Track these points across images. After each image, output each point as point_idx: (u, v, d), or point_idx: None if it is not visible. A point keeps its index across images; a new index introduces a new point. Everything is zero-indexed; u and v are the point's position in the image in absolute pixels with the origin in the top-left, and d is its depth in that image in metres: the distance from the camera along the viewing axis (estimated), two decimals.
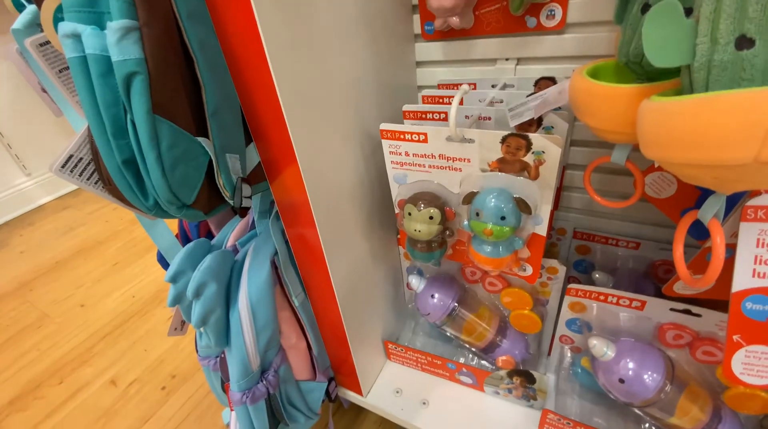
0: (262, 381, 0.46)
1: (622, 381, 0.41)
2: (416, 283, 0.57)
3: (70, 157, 0.30)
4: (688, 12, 0.22)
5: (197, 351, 0.52)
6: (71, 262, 1.32)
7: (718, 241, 0.24)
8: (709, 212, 0.25)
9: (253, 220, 0.50)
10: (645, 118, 0.24)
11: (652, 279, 0.54)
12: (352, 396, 0.60)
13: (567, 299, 0.49)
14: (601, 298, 0.46)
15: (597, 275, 0.54)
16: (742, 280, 0.27)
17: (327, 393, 0.58)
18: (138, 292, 1.11)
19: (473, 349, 0.59)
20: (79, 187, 1.85)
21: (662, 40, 0.23)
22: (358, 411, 0.71)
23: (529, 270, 0.45)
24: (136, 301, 1.08)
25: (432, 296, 0.55)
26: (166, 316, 1.00)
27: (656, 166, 0.40)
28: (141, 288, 1.12)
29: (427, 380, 0.60)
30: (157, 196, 0.29)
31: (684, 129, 0.21)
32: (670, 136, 0.22)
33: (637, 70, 0.31)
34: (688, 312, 0.42)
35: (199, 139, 0.30)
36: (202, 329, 0.43)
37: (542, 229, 0.40)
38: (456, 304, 0.55)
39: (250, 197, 0.35)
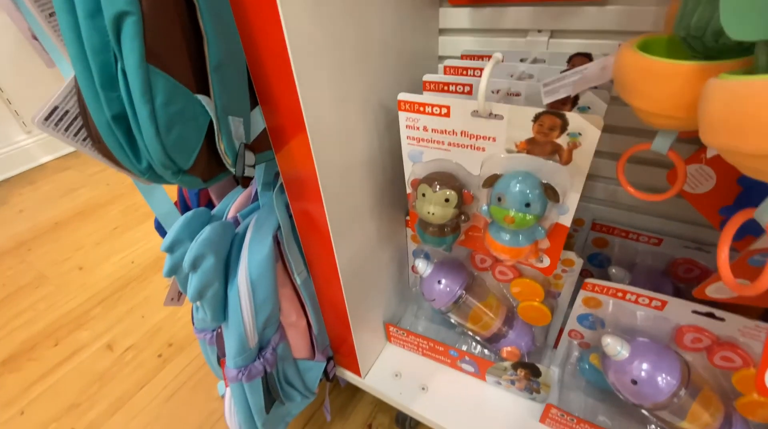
0: (259, 358, 0.44)
1: (634, 382, 0.39)
2: (423, 267, 0.54)
3: (55, 108, 0.27)
4: None
5: (193, 323, 0.51)
6: (71, 223, 1.30)
7: None
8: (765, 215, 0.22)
9: (256, 192, 0.47)
10: (714, 97, 0.21)
11: (671, 278, 0.51)
12: (350, 376, 0.59)
13: (582, 294, 0.46)
14: (619, 295, 0.44)
15: (614, 270, 0.52)
16: None
17: (325, 372, 0.57)
18: (138, 258, 1.09)
19: (477, 338, 0.57)
20: None
21: (744, 8, 0.19)
22: (355, 390, 0.71)
23: (547, 261, 0.42)
24: (135, 266, 1.07)
25: (439, 282, 0.53)
26: (165, 283, 0.99)
27: (704, 157, 0.36)
28: (141, 253, 1.11)
29: (427, 365, 0.59)
30: (150, 159, 0.26)
31: (762, 113, 0.18)
32: (745, 120, 0.19)
33: (697, 45, 0.27)
34: (711, 315, 0.40)
35: (199, 96, 0.27)
36: (198, 303, 0.41)
37: (567, 219, 0.37)
38: (463, 292, 0.52)
39: (253, 166, 0.32)
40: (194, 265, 0.38)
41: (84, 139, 0.29)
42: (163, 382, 0.76)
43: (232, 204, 0.47)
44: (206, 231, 0.40)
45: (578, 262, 0.48)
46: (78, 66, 0.25)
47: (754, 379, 0.38)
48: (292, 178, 0.39)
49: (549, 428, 0.50)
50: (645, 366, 0.39)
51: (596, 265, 0.58)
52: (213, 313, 0.41)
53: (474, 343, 0.59)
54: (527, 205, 0.33)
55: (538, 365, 0.48)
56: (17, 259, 1.16)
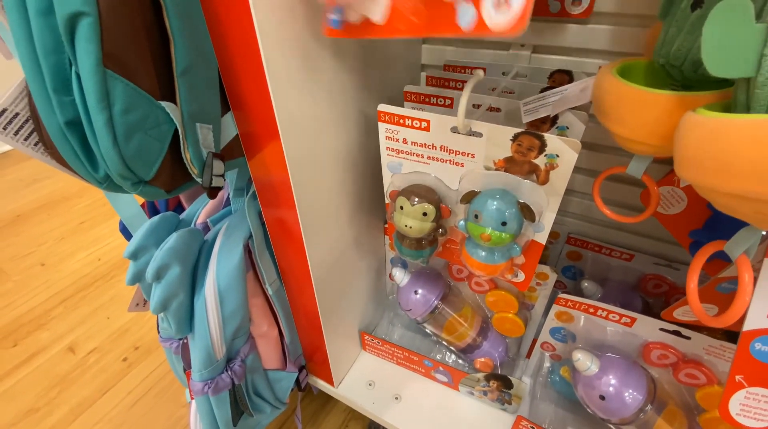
0: (226, 371, 0.43)
1: (602, 398, 0.40)
2: (400, 276, 0.54)
3: (3, 111, 0.25)
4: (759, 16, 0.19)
5: (158, 331, 0.49)
6: (34, 216, 1.24)
7: (746, 279, 0.21)
8: (740, 247, 0.22)
9: (228, 196, 0.45)
10: (688, 133, 0.21)
11: (641, 293, 0.52)
12: (323, 385, 0.58)
13: (555, 308, 0.47)
14: (591, 310, 0.44)
15: (586, 284, 0.52)
16: (756, 319, 0.24)
17: (297, 382, 0.55)
18: (104, 255, 1.05)
19: (452, 348, 0.57)
20: None
21: (725, 46, 0.19)
22: (328, 397, 0.70)
23: (522, 276, 0.42)
24: (101, 264, 1.02)
25: (415, 292, 0.52)
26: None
27: (677, 179, 0.37)
28: (108, 251, 1.06)
29: (401, 374, 0.59)
30: (107, 169, 0.24)
31: (739, 154, 0.18)
32: (720, 160, 0.19)
33: (675, 74, 0.28)
34: (677, 333, 0.41)
35: (163, 103, 0.25)
36: (162, 315, 0.39)
37: (542, 237, 0.37)
38: (439, 302, 0.52)
39: (222, 176, 0.31)
40: (158, 276, 0.36)
41: (35, 144, 0.27)
42: (127, 387, 0.73)
43: (202, 208, 0.45)
44: (172, 239, 0.38)
45: (552, 277, 0.49)
46: (28, 67, 0.23)
47: (717, 396, 0.39)
48: (264, 185, 0.37)
49: None
50: (613, 382, 0.40)
51: (570, 277, 0.58)
52: (178, 326, 0.39)
53: (449, 353, 0.59)
54: (503, 223, 0.33)
55: (510, 377, 0.48)
56: None
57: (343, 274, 0.50)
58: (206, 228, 0.44)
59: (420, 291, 0.52)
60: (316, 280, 0.44)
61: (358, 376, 0.59)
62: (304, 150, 0.35)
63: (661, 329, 0.41)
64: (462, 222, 0.37)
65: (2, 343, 0.83)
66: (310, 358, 0.56)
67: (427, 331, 0.55)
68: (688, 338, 0.40)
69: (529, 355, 0.59)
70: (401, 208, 0.38)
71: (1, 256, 1.07)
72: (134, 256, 0.39)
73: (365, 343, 0.61)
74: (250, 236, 0.41)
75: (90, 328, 0.85)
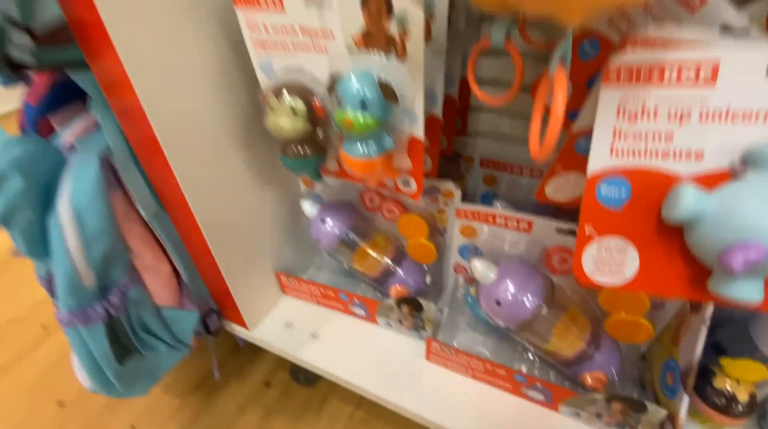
0: (100, 301, 0.39)
1: (498, 303, 0.38)
2: (309, 208, 0.51)
3: None
4: None
5: (36, 270, 0.45)
6: None
7: (559, 96, 0.19)
8: (554, 60, 0.20)
9: None
10: None
11: (552, 209, 0.51)
12: (237, 330, 0.55)
13: (457, 222, 0.45)
14: (490, 219, 0.43)
15: (498, 205, 0.51)
16: (598, 159, 0.23)
17: (205, 325, 0.52)
18: None
19: (371, 282, 0.55)
20: None
21: None
22: (255, 350, 0.67)
23: (413, 184, 0.40)
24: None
25: (323, 220, 0.50)
26: None
27: None
28: None
29: (322, 314, 0.56)
30: None
31: None
32: None
33: None
34: (573, 232, 0.39)
35: None
36: (8, 232, 0.35)
37: (419, 130, 0.34)
38: (348, 231, 0.50)
39: (35, 56, 0.27)
40: None
41: None
42: (43, 353, 0.69)
43: (70, 129, 0.41)
44: (17, 150, 0.34)
45: (457, 193, 0.47)
46: None
47: (618, 295, 0.38)
48: (108, 87, 0.34)
49: (435, 364, 0.49)
50: (509, 286, 0.38)
51: (489, 204, 0.57)
52: (27, 246, 0.35)
53: (371, 291, 0.57)
54: (363, 104, 0.30)
55: (420, 299, 0.46)
56: None
57: (242, 208, 0.47)
58: (74, 149, 0.40)
59: (328, 220, 0.50)
60: (199, 213, 0.41)
61: (277, 319, 0.56)
62: (149, 49, 0.31)
63: (558, 230, 0.39)
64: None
65: None
66: (221, 302, 0.53)
67: (342, 263, 0.53)
68: None
69: None
70: (271, 108, 0.35)
71: None
72: None
73: (284, 286, 0.58)
74: (108, 151, 0.37)
75: (9, 300, 0.80)
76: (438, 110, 0.39)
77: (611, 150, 0.22)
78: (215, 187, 0.43)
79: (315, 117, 0.36)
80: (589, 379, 0.41)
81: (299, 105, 0.34)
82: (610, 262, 0.24)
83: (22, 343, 0.71)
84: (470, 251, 0.46)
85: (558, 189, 0.32)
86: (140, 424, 0.58)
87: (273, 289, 0.58)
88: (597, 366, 0.41)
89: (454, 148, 0.53)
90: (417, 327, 0.50)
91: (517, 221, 0.41)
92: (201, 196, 0.41)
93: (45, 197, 0.36)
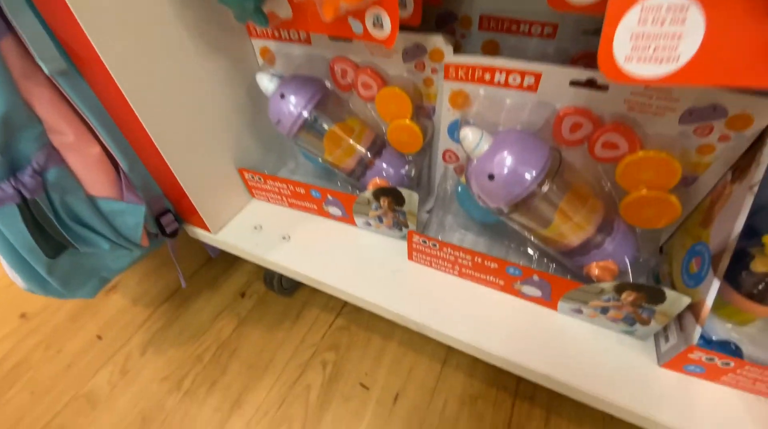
0: (9, 180, 0.32)
1: (491, 177, 0.31)
2: (266, 82, 0.42)
3: None
4: None
5: None
6: None
7: None
8: None
9: None
10: None
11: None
12: (200, 233, 0.49)
13: (447, 86, 0.36)
14: (487, 77, 0.34)
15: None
16: None
17: (160, 227, 0.46)
18: None
19: (345, 179, 0.47)
20: None
21: None
22: (231, 261, 0.62)
23: (387, 23, 0.30)
24: None
25: (282, 96, 0.41)
26: None
27: None
28: None
29: (294, 217, 0.50)
30: None
31: None
32: None
33: None
34: (592, 83, 0.31)
35: None
36: None
37: None
38: (312, 108, 0.41)
39: None
40: None
41: None
42: None
43: None
44: None
45: (448, 51, 0.37)
46: None
47: (640, 165, 0.30)
48: None
49: (419, 264, 0.43)
50: (505, 156, 0.31)
51: None
52: None
53: (349, 189, 0.50)
54: None
55: (400, 188, 0.39)
56: None
57: (180, 82, 0.38)
58: None
59: (288, 95, 0.41)
60: (117, 72, 0.32)
61: (244, 223, 0.50)
62: None
63: (573, 83, 0.31)
64: None
65: None
66: (176, 202, 0.46)
67: (311, 155, 0.45)
68: (605, 88, 0.30)
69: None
70: None
71: None
72: None
73: (250, 187, 0.51)
74: None
75: None
76: None
77: None
78: (141, 45, 0.34)
79: None
80: (596, 270, 0.35)
81: None
82: (658, 35, 0.15)
83: None
84: (461, 125, 0.37)
85: None
86: (107, 333, 0.54)
87: (238, 191, 0.51)
88: (607, 255, 0.35)
89: (444, 3, 0.42)
90: (399, 224, 0.44)
91: (521, 75, 0.32)
92: (121, 54, 0.32)
93: None
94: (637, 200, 0.32)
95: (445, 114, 0.39)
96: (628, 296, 0.32)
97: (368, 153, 0.44)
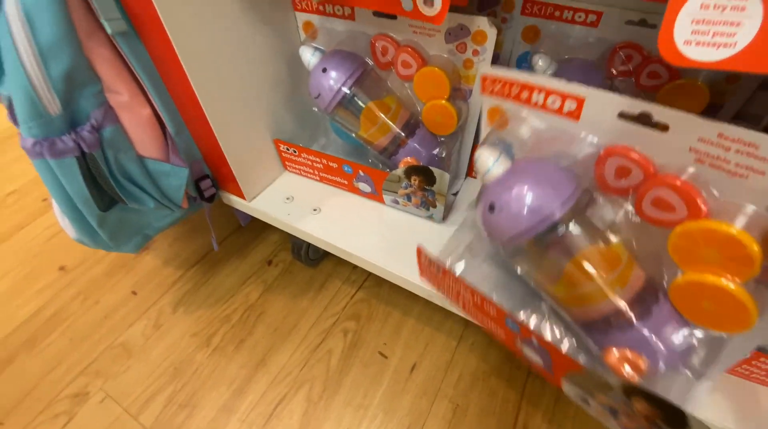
0: (69, 134, 0.35)
1: (492, 208, 0.27)
2: (309, 56, 0.43)
3: None
4: None
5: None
6: None
7: None
8: None
9: None
10: None
11: (606, 73, 0.42)
12: (235, 201, 0.51)
13: (484, 103, 0.33)
14: (524, 96, 0.29)
15: (539, 61, 0.42)
16: None
17: (200, 191, 0.48)
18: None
19: (376, 157, 0.49)
20: None
21: None
22: (259, 231, 0.64)
23: (438, 3, 0.31)
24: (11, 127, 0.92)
25: (324, 71, 0.42)
26: None
27: None
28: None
29: (324, 191, 0.52)
30: None
31: None
32: None
33: None
34: (646, 120, 0.24)
35: None
36: None
37: None
38: (352, 84, 0.42)
39: None
40: None
41: None
42: (45, 223, 0.68)
43: None
44: None
45: (491, 35, 0.38)
46: None
47: (702, 236, 0.22)
48: None
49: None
50: (514, 185, 0.26)
51: (525, 67, 0.48)
52: None
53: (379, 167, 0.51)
54: None
55: (432, 168, 0.40)
56: None
57: (227, 43, 0.40)
58: None
59: (330, 70, 0.42)
60: (175, 35, 0.34)
61: (277, 193, 0.52)
62: None
63: (622, 115, 0.24)
64: None
65: None
66: (216, 169, 0.49)
67: (341, 126, 0.47)
68: (665, 128, 0.23)
69: (471, 173, 0.51)
70: None
71: None
72: None
73: (284, 159, 0.53)
74: None
75: (9, 174, 0.78)
76: None
77: None
78: (198, 9, 0.35)
79: None
80: (614, 358, 0.26)
81: None
82: (718, 22, 0.16)
83: (23, 214, 0.70)
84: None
85: None
86: (141, 290, 0.57)
87: (272, 163, 0.53)
88: (634, 343, 0.26)
89: None
90: (426, 204, 0.45)
91: (563, 99, 0.27)
92: (179, 15, 0.34)
93: None
94: (694, 285, 0.23)
95: (481, 104, 0.39)
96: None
97: (402, 132, 0.45)
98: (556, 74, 0.40)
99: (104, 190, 0.39)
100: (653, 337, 0.25)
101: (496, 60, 0.43)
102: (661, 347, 0.25)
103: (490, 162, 0.28)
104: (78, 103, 0.35)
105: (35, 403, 0.48)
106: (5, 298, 0.58)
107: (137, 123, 0.39)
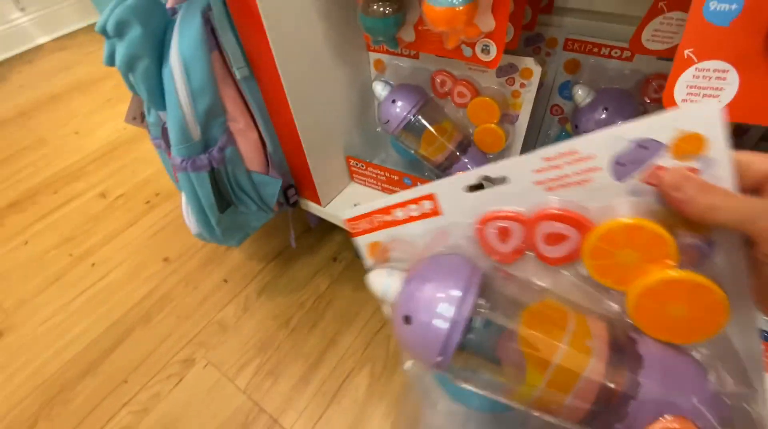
0: (205, 154, 0.45)
1: (407, 320, 0.21)
2: (380, 89, 0.53)
3: None
4: None
5: (149, 133, 0.52)
6: (67, 96, 1.31)
7: None
8: None
9: None
10: None
11: (640, 98, 0.48)
12: (312, 206, 0.61)
13: (360, 243, 0.30)
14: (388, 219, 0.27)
15: (579, 91, 0.48)
16: None
17: (286, 197, 0.59)
18: (129, 125, 1.11)
19: (433, 170, 0.57)
20: (76, 30, 1.76)
21: None
22: (324, 232, 0.74)
23: (493, 50, 0.39)
24: (126, 132, 1.09)
25: (393, 101, 0.51)
26: (152, 146, 1.01)
27: None
28: None
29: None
30: None
31: None
32: None
33: None
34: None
35: None
36: (131, 78, 0.41)
37: None
38: (416, 112, 0.51)
39: None
40: (119, 32, 0.37)
41: None
42: (150, 221, 0.82)
43: None
44: (131, 1, 0.38)
45: (537, 72, 0.46)
46: None
47: (608, 240, 0.19)
48: None
49: None
50: (415, 288, 0.22)
51: (567, 98, 0.54)
52: (148, 92, 0.41)
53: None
54: None
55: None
56: (18, 125, 1.20)
57: (322, 83, 0.50)
58: (174, 13, 0.44)
59: (398, 100, 0.51)
60: (285, 76, 0.43)
61: (345, 200, 0.61)
62: None
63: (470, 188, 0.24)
64: None
65: (45, 191, 0.93)
66: (298, 179, 0.59)
67: (406, 147, 0.55)
68: (503, 180, 0.22)
69: None
70: None
71: (41, 128, 1.17)
72: (104, 30, 0.40)
73: (352, 171, 0.62)
74: (209, 8, 0.41)
75: (118, 179, 0.93)
76: None
77: None
78: (301, 58, 0.45)
79: None
80: None
81: None
82: (706, 87, 0.23)
83: (131, 214, 0.84)
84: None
85: (656, 34, 0.30)
86: (231, 278, 0.69)
87: (342, 175, 0.62)
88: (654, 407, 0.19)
89: (536, 27, 0.50)
90: None
91: (417, 202, 0.25)
92: (288, 63, 0.44)
93: (159, 49, 0.41)
94: (652, 291, 0.19)
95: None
96: None
97: (456, 150, 0.53)
98: (594, 102, 0.47)
99: (223, 197, 0.49)
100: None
101: (540, 88, 0.50)
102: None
103: (383, 279, 0.24)
104: (211, 130, 0.46)
105: (152, 366, 0.59)
106: (121, 283, 0.71)
107: (248, 144, 0.50)
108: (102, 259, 0.76)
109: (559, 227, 0.21)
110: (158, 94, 0.42)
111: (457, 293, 0.21)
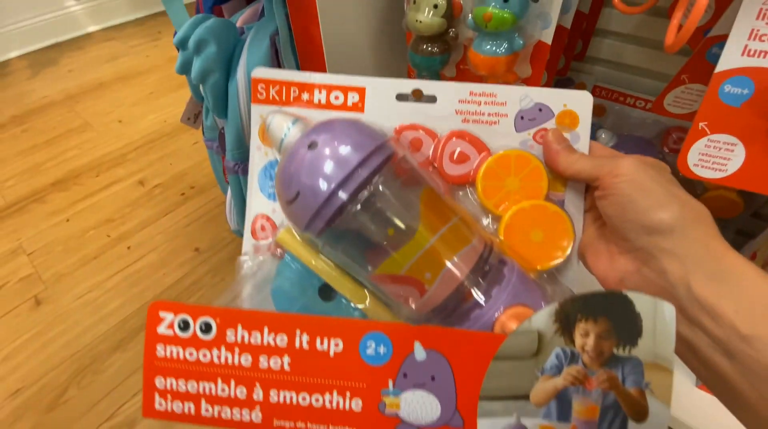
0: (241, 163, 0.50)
1: (312, 146, 0.21)
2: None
3: None
4: None
5: (204, 134, 0.57)
6: (113, 85, 1.39)
7: None
8: None
9: (263, 9, 0.49)
10: None
11: (660, 148, 0.51)
12: None
13: (255, 111, 0.27)
14: (305, 97, 0.25)
15: (602, 135, 0.52)
16: (729, 58, 0.25)
17: None
18: (169, 119, 1.17)
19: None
20: (124, 22, 1.86)
21: None
22: None
23: None
24: (167, 125, 1.15)
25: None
26: (192, 140, 1.07)
27: None
28: (172, 115, 1.19)
29: None
30: None
31: None
32: None
33: None
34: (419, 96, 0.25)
35: None
36: (201, 88, 0.45)
37: (548, 35, 0.37)
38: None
39: None
40: (198, 48, 0.42)
41: None
42: (184, 212, 0.87)
43: (239, 17, 0.49)
44: (210, 21, 0.43)
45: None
46: None
47: (500, 166, 0.24)
48: None
49: None
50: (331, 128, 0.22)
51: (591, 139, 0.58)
52: (214, 102, 0.46)
53: None
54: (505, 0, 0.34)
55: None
56: (66, 108, 1.27)
57: None
58: (242, 32, 0.49)
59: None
60: None
61: None
62: None
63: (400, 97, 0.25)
64: (470, 17, 0.38)
65: (88, 173, 0.99)
66: None
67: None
68: (433, 100, 0.25)
69: None
70: (414, 2, 0.40)
71: (86, 113, 1.24)
72: (181, 44, 0.45)
73: None
74: (277, 32, 0.45)
75: (156, 169, 0.99)
76: (568, 21, 0.41)
77: (744, 50, 0.24)
78: None
79: (452, 14, 0.40)
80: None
81: (441, 1, 0.39)
82: (716, 156, 0.27)
83: (167, 204, 0.90)
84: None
85: (677, 100, 0.34)
86: None
87: None
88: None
89: (568, 72, 0.54)
90: None
91: (345, 92, 0.25)
92: None
93: (228, 65, 0.46)
94: (523, 213, 0.23)
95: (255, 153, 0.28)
96: None
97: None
98: (616, 146, 0.50)
99: None
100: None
101: None
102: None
103: (287, 123, 0.24)
104: (246, 143, 0.51)
105: None
106: (154, 268, 0.76)
107: None
108: (137, 243, 0.81)
109: (465, 147, 0.25)
110: (222, 104, 0.47)
111: (377, 140, 0.22)
